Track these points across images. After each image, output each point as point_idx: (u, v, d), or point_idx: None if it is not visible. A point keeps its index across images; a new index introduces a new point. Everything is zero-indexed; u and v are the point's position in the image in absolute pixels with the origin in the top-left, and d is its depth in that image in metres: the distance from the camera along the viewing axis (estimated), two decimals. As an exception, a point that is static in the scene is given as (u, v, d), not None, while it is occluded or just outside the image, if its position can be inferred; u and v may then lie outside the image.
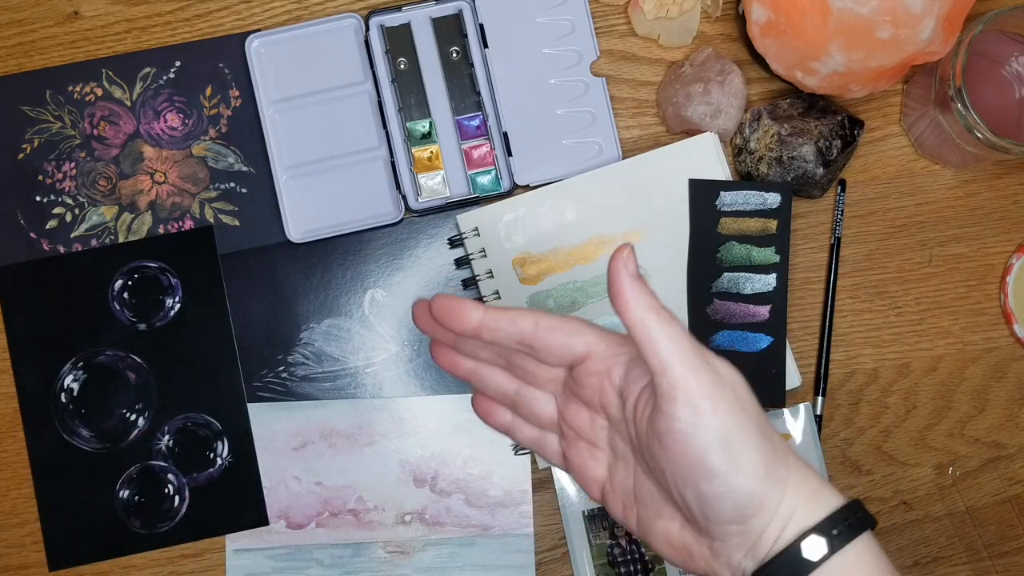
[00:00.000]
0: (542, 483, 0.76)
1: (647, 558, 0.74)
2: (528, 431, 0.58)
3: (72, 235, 0.76)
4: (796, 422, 0.74)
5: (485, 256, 0.74)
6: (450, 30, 0.77)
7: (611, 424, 0.53)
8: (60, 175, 0.76)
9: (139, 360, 0.75)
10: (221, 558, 0.75)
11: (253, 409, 0.75)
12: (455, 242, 0.76)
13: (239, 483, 0.75)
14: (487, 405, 0.58)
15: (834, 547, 0.47)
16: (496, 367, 0.57)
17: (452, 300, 0.52)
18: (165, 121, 0.77)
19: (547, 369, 0.55)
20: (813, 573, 0.47)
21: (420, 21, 0.77)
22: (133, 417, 0.75)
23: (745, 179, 0.76)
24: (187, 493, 0.75)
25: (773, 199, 0.74)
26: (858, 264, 0.77)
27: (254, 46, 0.76)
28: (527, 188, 0.76)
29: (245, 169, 0.77)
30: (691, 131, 0.76)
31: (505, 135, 0.76)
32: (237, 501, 0.75)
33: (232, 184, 0.77)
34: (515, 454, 0.75)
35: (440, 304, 0.52)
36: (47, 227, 0.76)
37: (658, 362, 0.47)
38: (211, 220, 0.76)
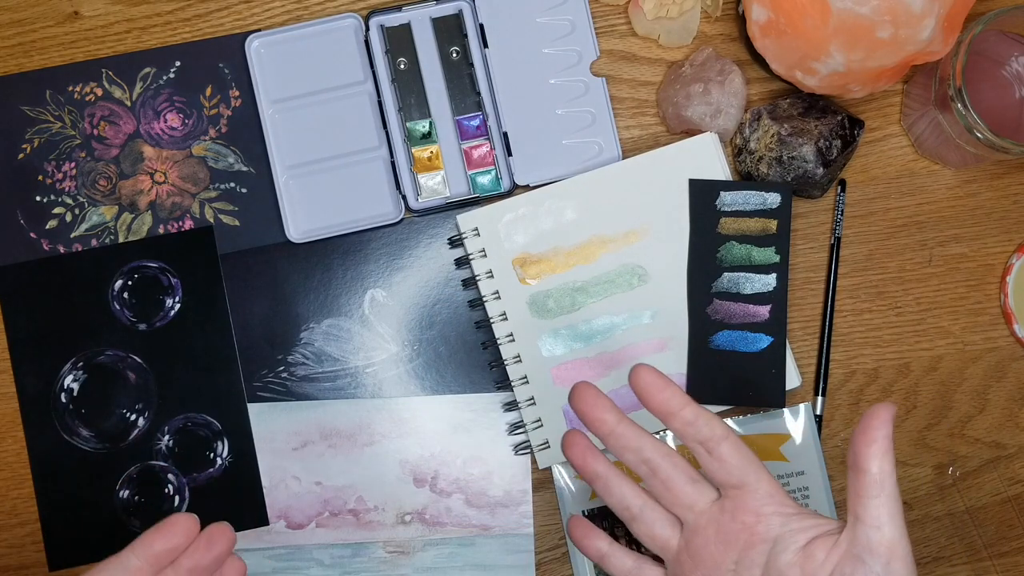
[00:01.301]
0: (542, 483, 0.76)
1: (647, 558, 0.74)
2: (624, 560, 0.60)
3: (72, 235, 0.76)
4: (796, 422, 0.74)
5: (485, 256, 0.74)
6: (450, 30, 0.77)
7: (738, 567, 0.55)
8: (60, 175, 0.76)
9: (139, 360, 0.75)
10: (221, 558, 0.75)
11: (253, 409, 0.75)
12: (455, 242, 0.76)
13: (239, 483, 0.75)
14: (586, 530, 0.61)
15: None
16: (625, 479, 0.59)
17: (669, 388, 0.56)
18: (165, 121, 0.77)
19: (691, 494, 0.57)
20: None
21: (420, 21, 0.77)
22: (133, 417, 0.75)
23: (745, 179, 0.76)
24: (187, 493, 0.75)
25: (773, 199, 0.74)
26: (858, 264, 0.77)
27: (254, 46, 0.76)
28: (527, 188, 0.76)
29: (245, 169, 0.77)
30: (691, 131, 0.76)
31: (505, 135, 0.76)
32: (237, 501, 0.75)
33: (232, 184, 0.77)
34: (515, 454, 0.75)
35: (645, 380, 0.57)
36: (47, 227, 0.76)
37: (878, 515, 0.52)
38: (211, 220, 0.76)
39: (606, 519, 0.74)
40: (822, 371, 0.76)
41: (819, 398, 0.76)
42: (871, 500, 0.52)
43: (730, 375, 0.73)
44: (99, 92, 0.77)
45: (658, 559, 0.60)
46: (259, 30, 0.77)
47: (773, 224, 0.74)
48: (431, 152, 0.77)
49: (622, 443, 0.57)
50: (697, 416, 0.56)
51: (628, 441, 0.57)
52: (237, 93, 0.77)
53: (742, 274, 0.74)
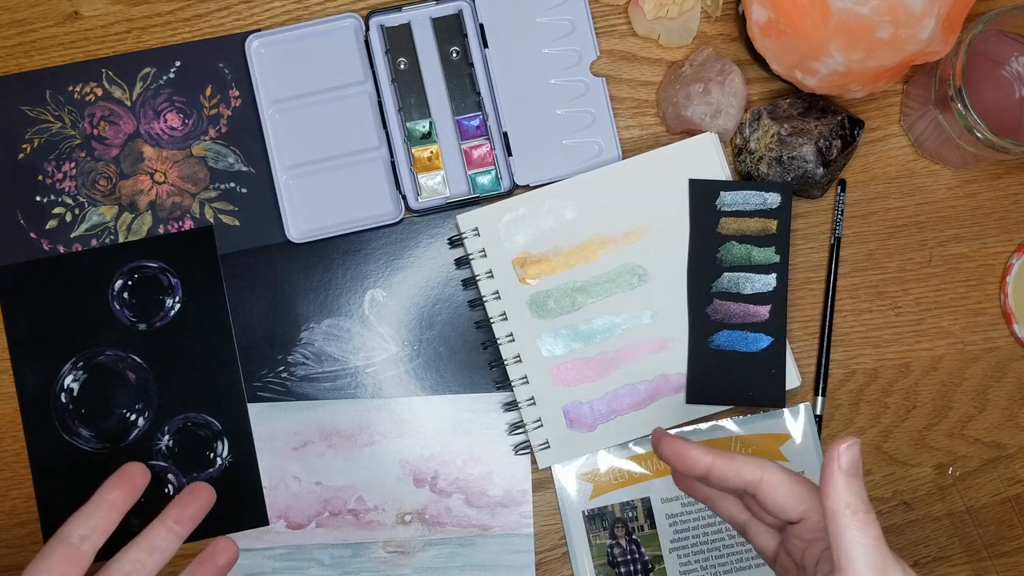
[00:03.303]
0: (542, 483, 0.76)
1: (647, 558, 0.74)
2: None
3: (72, 235, 0.76)
4: (796, 422, 0.74)
5: (485, 256, 0.74)
6: (450, 30, 0.77)
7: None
8: (60, 175, 0.76)
9: (139, 360, 0.75)
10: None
11: (253, 409, 0.75)
12: (455, 242, 0.76)
13: (239, 483, 0.75)
14: (678, 446, 0.59)
15: None
16: (731, 498, 0.58)
17: (679, 446, 0.55)
18: (165, 121, 0.77)
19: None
20: None
21: (420, 21, 0.77)
22: (133, 417, 0.75)
23: (745, 179, 0.76)
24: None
25: (773, 199, 0.74)
26: (858, 264, 0.77)
27: (254, 46, 0.76)
28: (527, 188, 0.76)
29: (245, 169, 0.77)
30: (691, 131, 0.76)
31: (505, 135, 0.76)
32: (237, 501, 0.75)
33: (232, 184, 0.77)
34: (515, 454, 0.75)
35: (668, 449, 0.56)
36: (47, 227, 0.76)
37: (843, 559, 0.48)
38: (211, 220, 0.76)
39: (607, 519, 0.74)
40: (822, 371, 0.76)
41: (819, 398, 0.76)
42: (835, 544, 0.49)
43: (730, 375, 0.73)
44: (99, 92, 0.77)
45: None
46: (259, 30, 0.77)
47: (773, 224, 0.74)
48: (431, 152, 0.77)
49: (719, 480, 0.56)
50: (724, 470, 0.54)
51: (724, 472, 0.55)
52: (237, 93, 0.77)
53: (742, 274, 0.74)
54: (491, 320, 0.74)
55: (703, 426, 0.75)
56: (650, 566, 0.74)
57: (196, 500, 0.58)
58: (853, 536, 0.48)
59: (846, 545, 0.48)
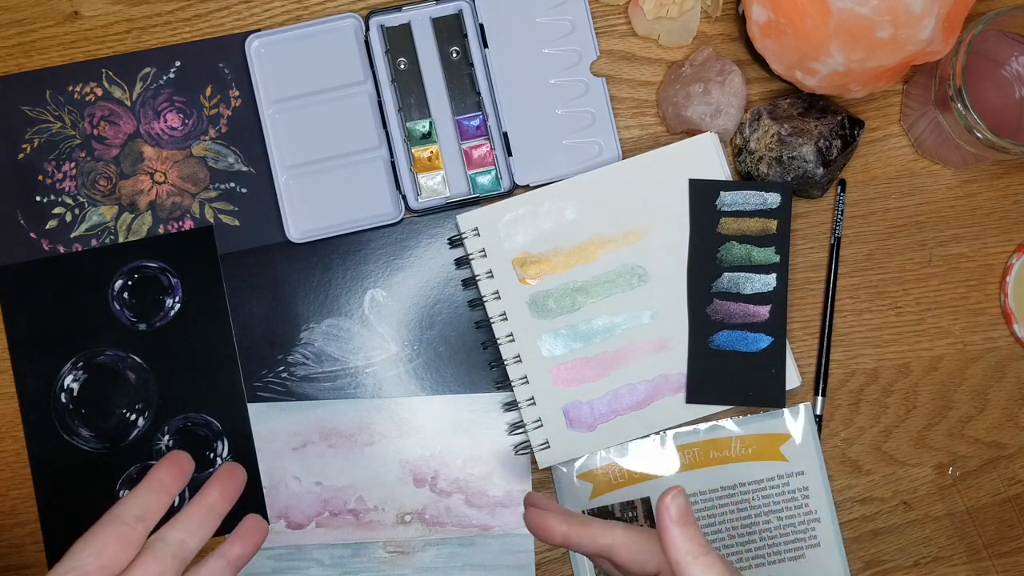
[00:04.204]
0: (542, 483, 0.76)
1: (647, 558, 0.74)
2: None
3: (72, 235, 0.76)
4: (796, 422, 0.74)
5: (485, 256, 0.74)
6: (450, 30, 0.77)
7: None
8: (60, 175, 0.76)
9: (139, 360, 0.75)
10: (221, 558, 0.75)
11: (253, 409, 0.75)
12: (455, 242, 0.76)
13: (239, 483, 0.75)
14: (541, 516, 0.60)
15: None
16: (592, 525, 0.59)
17: (540, 517, 0.58)
18: (165, 121, 0.77)
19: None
20: None
21: (420, 21, 0.77)
22: (133, 417, 0.75)
23: (745, 179, 0.76)
24: (187, 493, 0.75)
25: (773, 199, 0.74)
26: (858, 264, 0.77)
27: (254, 46, 0.76)
28: (527, 188, 0.76)
29: (245, 169, 0.77)
30: (691, 131, 0.76)
31: (505, 135, 0.76)
32: (237, 501, 0.75)
33: (232, 184, 0.77)
34: (515, 454, 0.75)
35: (530, 520, 0.58)
36: (47, 227, 0.76)
37: None
38: (211, 220, 0.76)
39: (606, 519, 0.74)
40: (822, 371, 0.76)
41: (819, 398, 0.76)
42: None
43: (730, 375, 0.73)
44: (99, 92, 0.77)
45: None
46: (259, 30, 0.77)
47: (773, 224, 0.74)
48: (431, 152, 0.77)
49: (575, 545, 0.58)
50: (579, 538, 0.56)
51: (580, 539, 0.57)
52: (237, 93, 0.77)
53: (742, 274, 0.74)
54: (491, 320, 0.74)
55: (703, 426, 0.75)
56: (650, 566, 0.74)
57: (234, 479, 0.57)
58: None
59: None
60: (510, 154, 0.76)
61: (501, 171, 0.77)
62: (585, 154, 0.77)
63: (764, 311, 0.73)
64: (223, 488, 0.56)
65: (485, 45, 0.77)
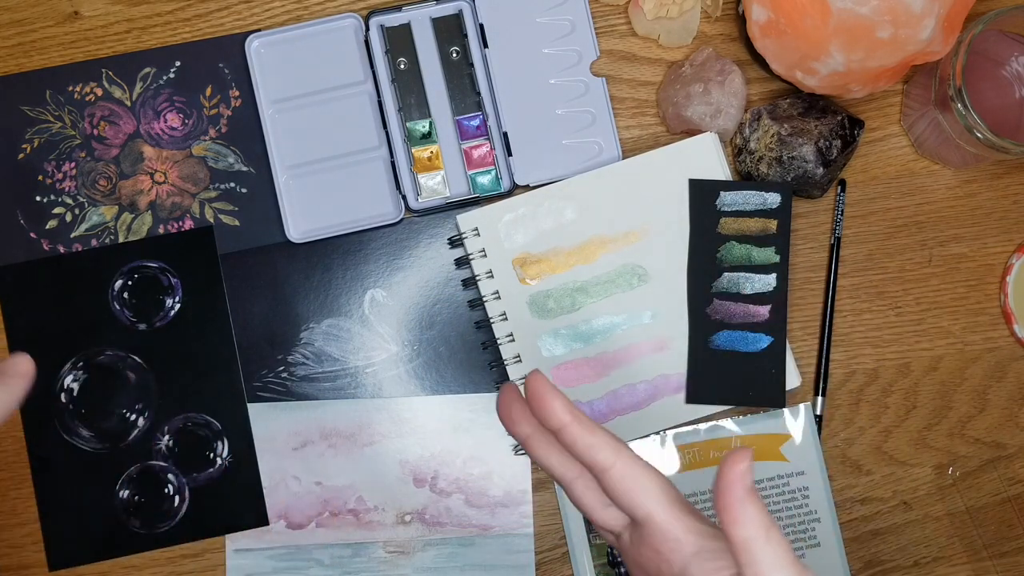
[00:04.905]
0: (542, 483, 0.76)
1: (647, 558, 0.74)
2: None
3: (72, 235, 0.76)
4: (796, 422, 0.74)
5: (485, 256, 0.74)
6: (450, 30, 0.77)
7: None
8: (60, 175, 0.76)
9: (139, 360, 0.75)
10: (221, 558, 0.75)
11: (253, 409, 0.75)
12: (455, 242, 0.76)
13: (239, 483, 0.75)
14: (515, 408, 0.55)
15: None
16: (556, 447, 0.53)
17: (545, 389, 0.50)
18: (165, 121, 0.77)
19: (605, 518, 0.53)
20: None
21: (420, 21, 0.77)
22: (133, 417, 0.75)
23: (745, 179, 0.76)
24: (187, 493, 0.75)
25: (773, 199, 0.74)
26: (858, 264, 0.77)
27: (254, 46, 0.76)
28: (527, 188, 0.76)
29: (245, 169, 0.77)
30: (691, 131, 0.76)
31: (505, 135, 0.76)
32: (237, 501, 0.75)
33: (232, 184, 0.77)
34: (515, 454, 0.75)
35: (533, 385, 0.51)
36: (47, 227, 0.76)
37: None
38: (211, 220, 0.76)
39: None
40: (822, 371, 0.76)
41: (819, 398, 0.76)
42: (751, 572, 0.44)
43: (730, 375, 0.73)
44: (99, 92, 0.77)
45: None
46: (259, 30, 0.77)
47: (773, 224, 0.74)
48: (431, 152, 0.77)
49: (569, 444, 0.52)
50: (577, 439, 0.50)
51: (575, 440, 0.51)
52: (237, 93, 0.77)
53: (742, 274, 0.74)
54: (491, 320, 0.74)
55: (703, 426, 0.75)
56: (650, 566, 0.74)
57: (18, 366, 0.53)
58: (774, 556, 0.44)
59: (770, 570, 0.44)
60: (510, 154, 0.76)
61: (501, 171, 0.77)
62: (585, 154, 0.77)
63: (764, 311, 0.73)
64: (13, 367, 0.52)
65: (485, 45, 0.77)
